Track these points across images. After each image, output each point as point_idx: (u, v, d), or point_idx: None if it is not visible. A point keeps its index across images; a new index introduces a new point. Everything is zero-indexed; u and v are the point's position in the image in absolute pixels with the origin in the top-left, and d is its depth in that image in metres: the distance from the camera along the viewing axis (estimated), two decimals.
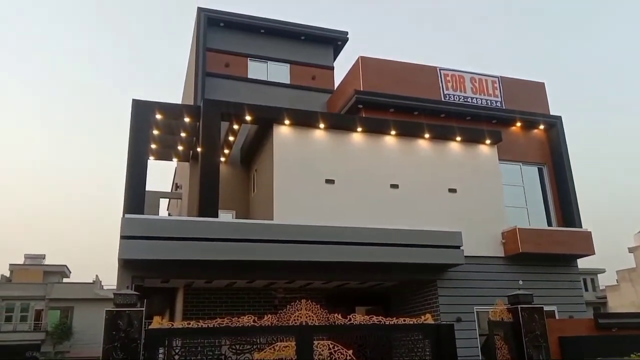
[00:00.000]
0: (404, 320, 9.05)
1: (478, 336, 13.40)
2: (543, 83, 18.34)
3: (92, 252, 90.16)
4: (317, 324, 8.39)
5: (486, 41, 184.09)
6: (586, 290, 47.43)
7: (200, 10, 18.70)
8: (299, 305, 8.44)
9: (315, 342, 8.43)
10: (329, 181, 14.05)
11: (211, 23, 18.73)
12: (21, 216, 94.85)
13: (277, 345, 8.28)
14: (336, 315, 8.56)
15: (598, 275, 51.94)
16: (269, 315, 8.27)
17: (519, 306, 9.85)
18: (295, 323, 8.28)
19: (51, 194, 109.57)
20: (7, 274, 47.23)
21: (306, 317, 8.37)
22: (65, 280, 49.21)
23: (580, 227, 16.15)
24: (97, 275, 46.67)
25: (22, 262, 48.56)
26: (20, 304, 42.48)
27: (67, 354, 40.06)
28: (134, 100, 14.07)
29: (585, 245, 15.33)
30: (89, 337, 38.94)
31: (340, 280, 13.60)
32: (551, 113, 17.75)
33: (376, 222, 13.36)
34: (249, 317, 8.12)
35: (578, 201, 16.71)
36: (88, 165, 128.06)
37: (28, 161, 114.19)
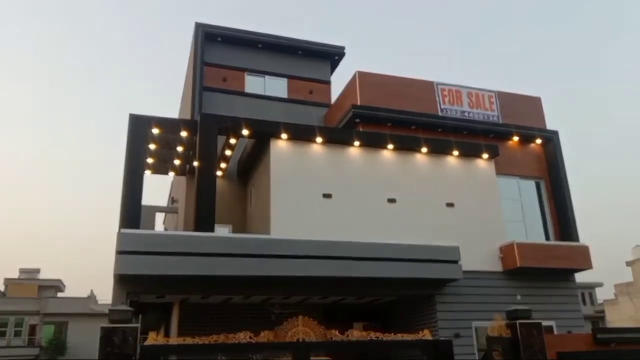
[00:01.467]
0: (402, 336, 8.98)
1: (476, 352, 13.30)
2: (539, 98, 18.42)
3: (87, 266, 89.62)
4: (314, 340, 8.32)
5: (484, 55, 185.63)
6: (584, 304, 47.28)
7: (198, 25, 18.79)
8: (295, 322, 8.38)
9: (313, 359, 8.35)
10: (326, 195, 14.02)
11: (209, 38, 18.82)
12: (16, 230, 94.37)
13: None
14: (333, 331, 8.50)
15: (596, 289, 51.82)
16: (266, 332, 8.20)
17: (517, 321, 9.79)
18: (292, 339, 8.21)
19: (46, 208, 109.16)
20: (2, 288, 46.87)
21: (303, 334, 8.31)
22: (59, 294, 48.83)
23: (578, 241, 16.14)
24: (91, 290, 46.47)
25: (16, 277, 48.22)
26: (14, 318, 42.06)
27: None
28: (130, 114, 14.07)
29: (583, 259, 15.30)
30: (84, 353, 38.56)
31: (337, 296, 13.51)
32: (548, 127, 17.81)
33: (373, 236, 13.30)
34: (245, 334, 8.06)
35: (575, 215, 16.74)
36: (84, 179, 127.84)
37: (21, 176, 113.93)
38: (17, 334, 41.86)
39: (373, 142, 14.93)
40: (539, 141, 17.44)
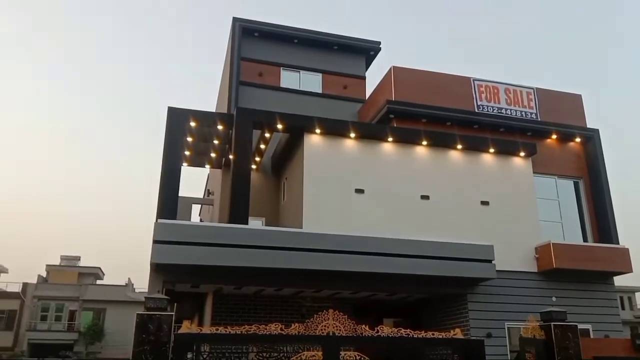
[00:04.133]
0: (433, 334, 8.92)
1: (509, 353, 13.11)
2: (580, 95, 17.94)
3: (125, 255, 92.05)
4: (344, 334, 8.35)
5: (525, 53, 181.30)
6: (623, 309, 45.87)
7: (235, 20, 19.02)
8: (326, 315, 8.42)
9: (342, 353, 8.39)
10: (359, 191, 14.02)
11: (246, 33, 19.03)
12: (58, 218, 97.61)
13: (303, 354, 8.27)
14: (364, 326, 8.51)
15: (636, 293, 50.20)
16: (296, 324, 8.27)
17: (552, 323, 9.60)
18: (323, 333, 8.27)
19: (87, 198, 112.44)
20: (44, 274, 48.59)
21: (333, 327, 8.34)
22: (98, 282, 50.33)
23: (617, 243, 15.69)
24: (129, 278, 47.70)
25: (58, 263, 49.88)
26: (55, 304, 43.67)
27: (99, 354, 40.91)
28: (169, 108, 14.40)
29: (623, 262, 14.85)
30: (120, 339, 39.72)
31: (368, 291, 13.52)
32: (588, 125, 17.35)
33: (406, 233, 13.24)
34: (277, 325, 8.14)
35: (615, 216, 16.26)
36: (122, 170, 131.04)
37: (64, 166, 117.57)
38: (58, 319, 43.45)
39: (407, 138, 14.84)
40: (578, 140, 17.00)
